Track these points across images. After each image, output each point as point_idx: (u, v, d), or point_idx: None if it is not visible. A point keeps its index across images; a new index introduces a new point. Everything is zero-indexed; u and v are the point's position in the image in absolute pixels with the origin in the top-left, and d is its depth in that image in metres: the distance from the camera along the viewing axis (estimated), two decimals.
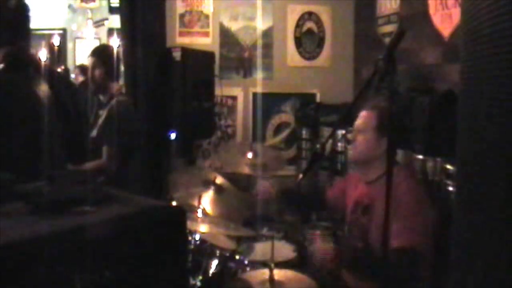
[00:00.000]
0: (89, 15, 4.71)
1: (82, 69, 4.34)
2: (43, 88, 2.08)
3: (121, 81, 4.16)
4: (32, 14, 2.17)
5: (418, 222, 2.08)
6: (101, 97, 3.22)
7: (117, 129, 3.03)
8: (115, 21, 4.54)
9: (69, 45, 4.96)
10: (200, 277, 2.32)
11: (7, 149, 1.89)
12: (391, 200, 1.95)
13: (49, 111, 2.05)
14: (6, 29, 2.03)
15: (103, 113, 3.14)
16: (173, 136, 3.50)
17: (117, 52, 3.43)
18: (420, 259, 2.04)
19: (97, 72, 3.18)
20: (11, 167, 1.62)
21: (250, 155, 3.03)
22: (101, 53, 3.25)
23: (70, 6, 4.97)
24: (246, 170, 3.01)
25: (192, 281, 2.28)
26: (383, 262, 2.00)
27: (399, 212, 2.07)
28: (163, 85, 3.62)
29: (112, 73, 3.19)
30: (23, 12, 2.12)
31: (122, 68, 4.26)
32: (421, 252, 2.04)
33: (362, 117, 2.36)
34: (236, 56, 4.56)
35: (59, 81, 2.27)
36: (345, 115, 2.81)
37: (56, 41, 4.49)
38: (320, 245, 2.18)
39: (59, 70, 3.74)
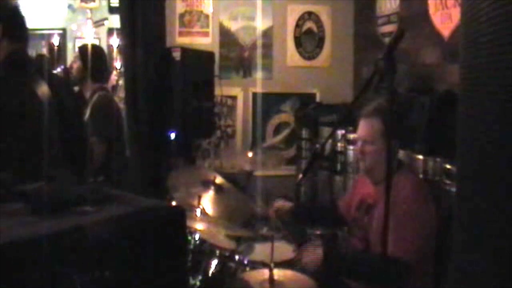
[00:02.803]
0: (89, 15, 4.70)
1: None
2: (44, 89, 2.08)
3: (120, 81, 4.18)
4: (28, 14, 2.17)
5: (416, 232, 2.05)
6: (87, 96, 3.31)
7: (100, 121, 3.12)
8: (115, 21, 4.53)
9: (69, 45, 4.95)
10: (200, 277, 2.32)
11: (7, 149, 1.89)
12: (392, 200, 1.95)
13: (49, 112, 2.05)
14: (6, 29, 2.03)
15: (87, 111, 3.24)
16: (173, 136, 3.50)
17: (104, 54, 3.53)
18: (409, 271, 2.00)
19: (75, 65, 3.35)
20: (11, 167, 1.63)
21: (250, 154, 3.03)
22: (86, 50, 3.35)
23: (70, 6, 4.96)
24: (246, 169, 3.02)
25: (192, 281, 2.29)
26: (372, 267, 2.02)
27: (398, 219, 2.05)
28: (163, 85, 3.61)
29: (94, 73, 3.30)
30: (19, 13, 2.12)
31: (116, 69, 4.28)
32: (412, 264, 2.01)
33: (367, 127, 2.27)
34: (236, 56, 4.56)
35: (59, 83, 2.28)
36: (345, 115, 2.81)
37: (56, 41, 4.48)
38: (310, 258, 2.18)
39: (59, 70, 3.75)
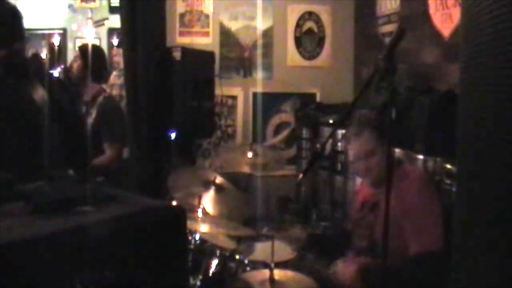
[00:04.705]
0: (89, 15, 4.71)
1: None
2: (40, 92, 2.08)
3: (119, 81, 4.19)
4: (25, 16, 2.16)
5: (434, 225, 2.07)
6: (85, 97, 3.31)
7: (111, 126, 3.13)
8: (115, 21, 4.53)
9: (69, 45, 4.95)
10: (200, 277, 2.32)
11: (7, 150, 1.90)
12: (401, 201, 1.95)
13: (47, 114, 2.05)
14: (2, 31, 2.03)
15: (92, 113, 3.26)
16: (173, 136, 3.50)
17: (104, 54, 3.54)
18: (439, 261, 2.01)
19: (75, 65, 3.34)
20: (11, 168, 1.62)
21: (250, 155, 3.03)
22: (86, 50, 3.37)
23: (70, 6, 4.96)
24: (246, 169, 3.01)
25: (192, 281, 2.28)
26: (399, 273, 2.00)
27: (413, 214, 2.07)
28: (163, 85, 3.61)
29: (94, 72, 3.31)
30: (17, 14, 2.11)
31: (115, 70, 4.29)
32: (439, 254, 2.02)
33: (363, 143, 2.25)
34: (236, 56, 4.56)
35: (56, 85, 2.27)
36: (345, 115, 2.80)
37: (56, 41, 4.49)
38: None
39: (58, 69, 3.75)
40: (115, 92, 4.09)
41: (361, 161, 2.30)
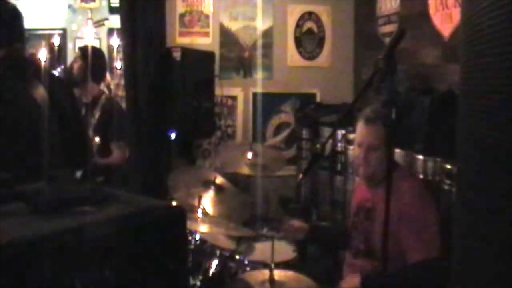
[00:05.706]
0: (89, 15, 4.71)
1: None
2: (40, 91, 2.08)
3: (119, 81, 4.19)
4: (26, 16, 2.17)
5: (431, 233, 2.07)
6: (84, 99, 3.32)
7: (117, 126, 3.15)
8: (115, 21, 4.53)
9: (69, 45, 4.95)
10: (200, 277, 2.32)
11: (7, 150, 1.89)
12: (397, 205, 1.94)
13: (47, 113, 2.05)
14: (2, 31, 2.02)
15: (96, 113, 3.27)
16: (173, 136, 3.51)
17: (104, 56, 3.55)
18: (438, 268, 2.00)
19: (76, 65, 3.34)
20: (10, 168, 1.62)
21: (250, 155, 3.03)
22: (86, 51, 3.36)
23: (70, 6, 4.97)
24: (246, 170, 3.02)
25: (192, 281, 2.29)
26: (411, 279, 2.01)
27: (410, 223, 2.06)
28: (163, 85, 3.62)
29: (94, 74, 3.31)
30: (17, 13, 2.11)
31: (116, 69, 4.29)
32: (438, 261, 2.01)
33: (371, 133, 2.22)
34: (236, 56, 4.56)
35: (57, 84, 2.27)
36: (345, 115, 2.79)
37: (56, 41, 4.48)
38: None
39: (58, 69, 3.76)
40: (121, 93, 4.10)
41: (362, 150, 2.26)
